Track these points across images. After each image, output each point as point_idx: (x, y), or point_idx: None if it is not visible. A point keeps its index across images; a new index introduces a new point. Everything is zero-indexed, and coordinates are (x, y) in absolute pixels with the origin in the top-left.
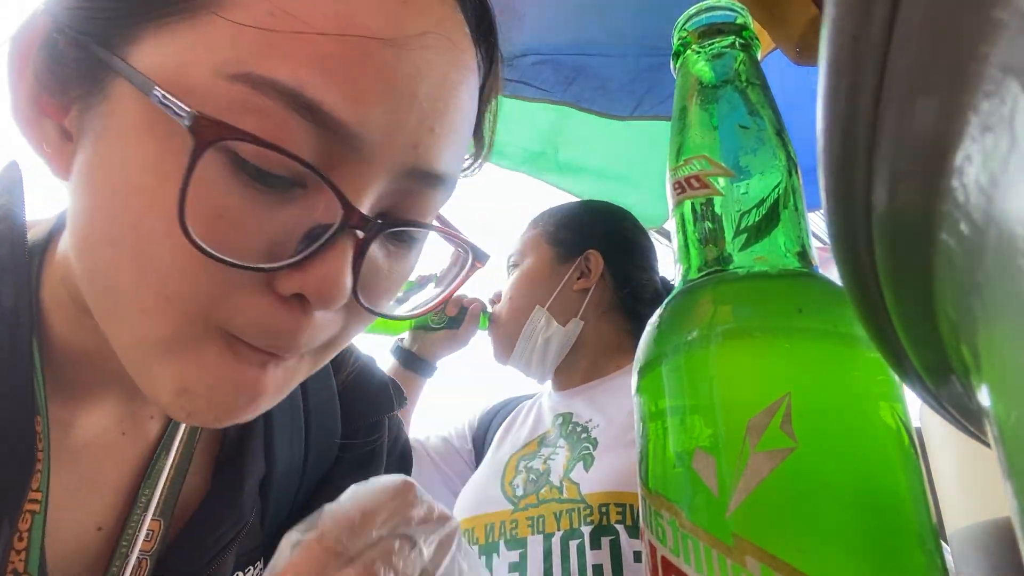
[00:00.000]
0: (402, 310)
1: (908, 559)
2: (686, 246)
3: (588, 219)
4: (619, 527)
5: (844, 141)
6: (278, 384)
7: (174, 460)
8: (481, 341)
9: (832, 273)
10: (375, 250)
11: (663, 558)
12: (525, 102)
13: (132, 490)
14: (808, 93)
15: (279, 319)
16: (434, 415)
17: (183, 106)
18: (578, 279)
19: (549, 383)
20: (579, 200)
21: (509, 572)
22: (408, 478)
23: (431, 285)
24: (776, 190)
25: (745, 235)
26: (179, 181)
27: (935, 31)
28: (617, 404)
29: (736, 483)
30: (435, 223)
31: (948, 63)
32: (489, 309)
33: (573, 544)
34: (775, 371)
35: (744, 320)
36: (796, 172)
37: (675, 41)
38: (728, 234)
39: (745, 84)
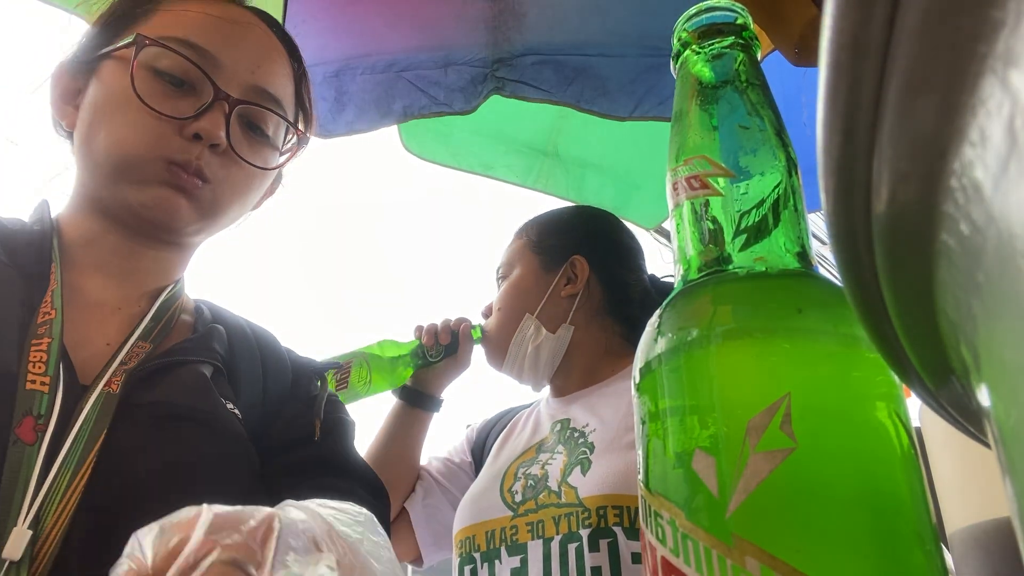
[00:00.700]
0: (275, 162)
1: (908, 559)
2: (686, 246)
3: (571, 224)
4: (617, 529)
5: (844, 141)
6: (198, 203)
7: (159, 325)
8: (480, 358)
9: None
10: (238, 127)
11: (663, 558)
12: (525, 102)
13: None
14: (808, 93)
15: (190, 146)
16: (440, 439)
17: (133, 37)
18: (565, 285)
19: (547, 390)
20: (563, 207)
21: None
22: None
23: None
24: (776, 190)
25: (745, 235)
26: (129, 77)
27: (935, 31)
28: (613, 408)
29: (736, 483)
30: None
31: (947, 63)
32: (481, 322)
33: (572, 547)
34: (775, 371)
35: (744, 320)
36: (796, 172)
37: (675, 41)
38: (728, 234)
39: (745, 84)
